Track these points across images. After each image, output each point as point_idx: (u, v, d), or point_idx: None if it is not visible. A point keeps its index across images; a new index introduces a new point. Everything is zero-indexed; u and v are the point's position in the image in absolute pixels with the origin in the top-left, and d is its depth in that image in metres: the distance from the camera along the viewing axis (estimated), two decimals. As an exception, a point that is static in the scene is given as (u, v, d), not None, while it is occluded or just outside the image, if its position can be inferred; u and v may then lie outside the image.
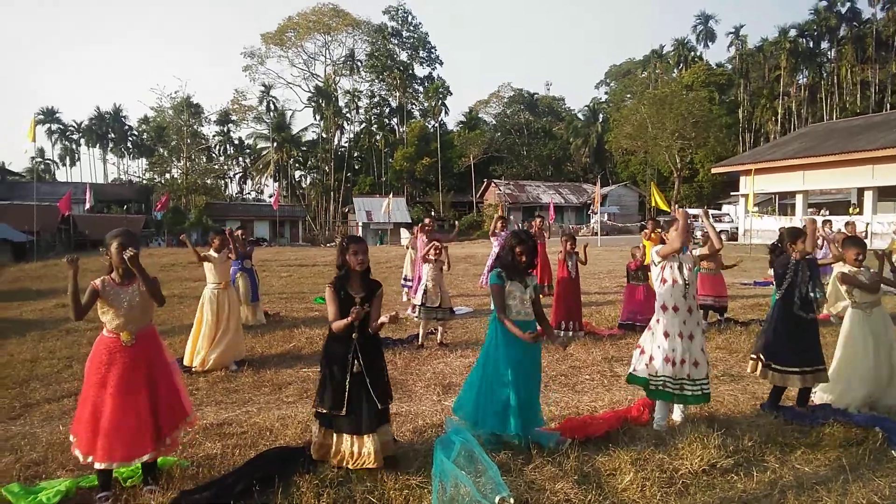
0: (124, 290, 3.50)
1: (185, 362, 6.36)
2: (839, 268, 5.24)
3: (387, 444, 3.78)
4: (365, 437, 3.64)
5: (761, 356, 4.72)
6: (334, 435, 3.71)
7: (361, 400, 3.65)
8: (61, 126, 69.83)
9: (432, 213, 54.36)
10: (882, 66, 55.75)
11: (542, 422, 4.29)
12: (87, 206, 33.78)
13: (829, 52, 60.81)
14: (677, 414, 4.57)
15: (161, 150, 60.64)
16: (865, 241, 8.50)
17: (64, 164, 71.18)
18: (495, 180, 56.95)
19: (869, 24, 56.84)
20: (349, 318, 3.53)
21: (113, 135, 68.19)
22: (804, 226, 4.97)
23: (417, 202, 59.09)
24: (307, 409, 4.92)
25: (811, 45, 60.04)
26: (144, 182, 59.24)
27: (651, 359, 4.42)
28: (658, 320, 4.46)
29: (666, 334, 4.38)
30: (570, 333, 7.81)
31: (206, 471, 3.76)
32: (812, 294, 4.71)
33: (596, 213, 40.38)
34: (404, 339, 7.68)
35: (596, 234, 36.32)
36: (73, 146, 71.19)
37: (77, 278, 3.35)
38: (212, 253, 6.76)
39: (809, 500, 3.36)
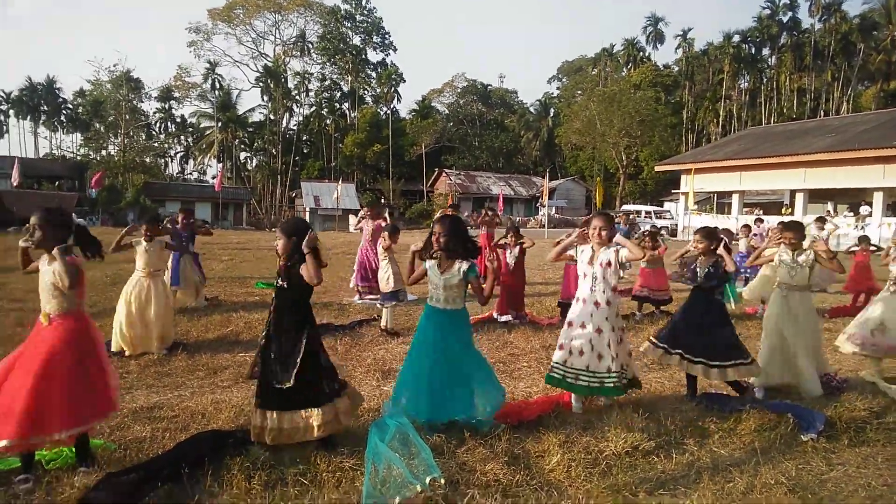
0: (47, 269, 3.40)
1: (114, 348, 6.16)
2: (773, 249, 5.57)
3: (294, 430, 3.70)
4: (277, 412, 3.66)
5: (658, 341, 5.01)
6: (257, 410, 3.72)
7: (270, 377, 3.70)
8: (-12, 96, 65.74)
9: (382, 201, 54.09)
10: (818, 75, 58.55)
11: (473, 409, 4.18)
12: (15, 181, 32.03)
13: (769, 59, 63.40)
14: (575, 402, 4.66)
15: (97, 125, 57.95)
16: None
17: (-10, 137, 67.10)
18: (446, 170, 57.09)
19: (808, 33, 59.55)
20: None
21: (46, 107, 64.49)
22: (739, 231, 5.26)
23: (367, 189, 58.61)
24: (242, 394, 4.88)
25: (753, 51, 62.47)
26: (79, 158, 56.39)
27: (560, 347, 4.63)
28: (571, 311, 4.69)
29: (570, 324, 4.60)
30: (513, 321, 8.02)
31: (133, 454, 3.68)
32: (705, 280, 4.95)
33: (544, 206, 41.06)
34: (346, 325, 7.66)
35: (543, 226, 36.94)
36: (2, 118, 67.09)
37: None
38: (141, 241, 6.51)
39: (723, 480, 3.55)
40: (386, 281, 7.53)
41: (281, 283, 3.78)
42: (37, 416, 3.18)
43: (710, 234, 5.18)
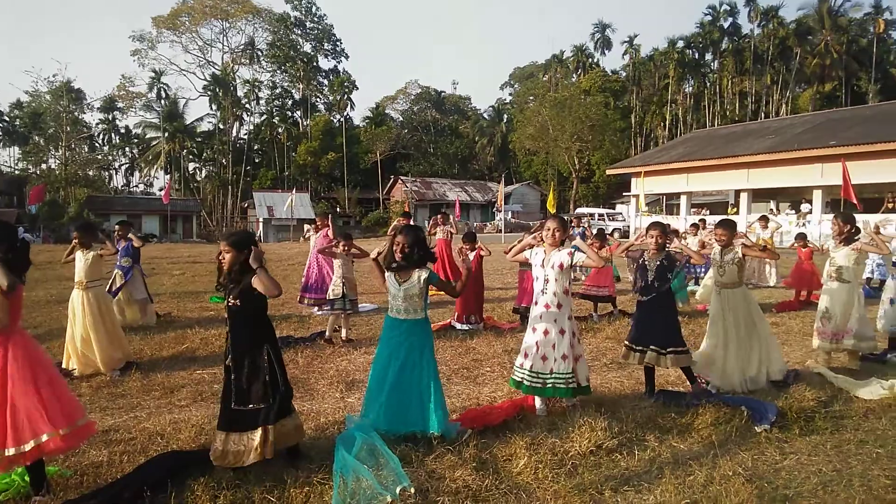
0: None
1: (64, 365, 5.95)
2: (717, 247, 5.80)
3: (266, 442, 3.59)
4: (240, 434, 3.56)
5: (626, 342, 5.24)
6: (217, 432, 3.62)
7: (232, 396, 3.61)
8: (-85, 108, 62.25)
9: (337, 210, 53.59)
10: (758, 78, 60.97)
11: (433, 423, 4.10)
12: (-52, 197, 30.45)
13: (712, 64, 65.64)
14: (538, 404, 4.73)
15: (37, 137, 55.49)
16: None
17: (-81, 152, 63.50)
18: (402, 177, 56.98)
19: (748, 39, 61.98)
20: None
21: (-21, 120, 61.61)
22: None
23: (322, 198, 57.96)
24: (201, 413, 4.76)
25: (697, 56, 64.64)
26: (17, 173, 53.93)
27: (520, 352, 4.76)
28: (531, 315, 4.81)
29: (532, 328, 4.71)
30: (472, 326, 8.08)
31: (90, 479, 3.55)
32: (655, 283, 5.08)
33: (500, 211, 41.42)
34: (307, 338, 7.56)
35: (500, 231, 37.26)
36: (-69, 131, 63.67)
37: None
38: (77, 252, 6.30)
39: (683, 474, 3.67)
40: (334, 286, 7.48)
41: (234, 301, 3.60)
42: None
43: (733, 226, 5.51)
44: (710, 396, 4.95)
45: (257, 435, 3.54)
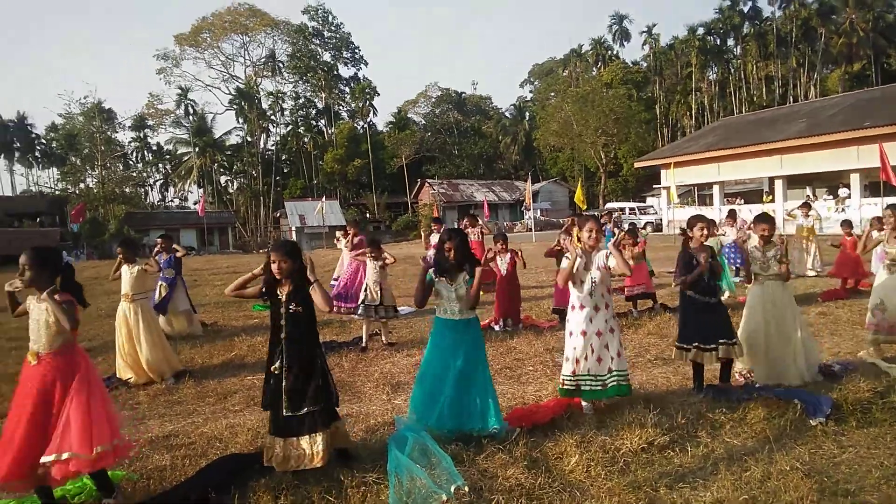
0: (37, 306, 3.38)
1: (119, 375, 6.21)
2: (751, 243, 5.68)
3: (324, 450, 3.68)
4: (296, 438, 3.63)
5: (681, 344, 5.01)
6: (273, 438, 3.69)
7: (284, 402, 3.66)
8: (-42, 135, 64.77)
9: (367, 216, 54.04)
10: (783, 62, 59.59)
11: (491, 419, 4.20)
12: (-6, 220, 31.66)
13: (735, 49, 64.42)
14: (585, 403, 4.72)
15: (73, 158, 57.26)
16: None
17: (-36, 176, 66.08)
18: (429, 180, 57.19)
19: (769, 21, 60.61)
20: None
21: (18, 144, 63.63)
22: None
23: (351, 204, 58.53)
24: (255, 417, 4.88)
25: (718, 42, 63.46)
26: (57, 193, 55.70)
27: (566, 360, 4.66)
28: (569, 320, 4.71)
29: (570, 333, 4.66)
30: (509, 329, 8.09)
31: (156, 482, 3.69)
32: (711, 282, 5.00)
33: (529, 210, 41.25)
34: (349, 342, 7.68)
35: (530, 230, 37.12)
36: (-26, 157, 66.10)
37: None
38: (123, 266, 6.55)
39: (739, 470, 3.63)
40: (368, 292, 7.55)
41: (295, 308, 3.70)
42: (32, 451, 3.18)
43: (774, 221, 5.40)
44: (761, 390, 4.88)
45: (318, 438, 3.63)
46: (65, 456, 3.14)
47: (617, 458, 3.81)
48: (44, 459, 3.15)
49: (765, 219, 5.48)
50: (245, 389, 5.81)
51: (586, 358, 4.56)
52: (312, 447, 3.63)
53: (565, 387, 4.65)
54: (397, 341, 7.67)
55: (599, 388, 4.56)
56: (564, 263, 4.67)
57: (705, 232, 5.03)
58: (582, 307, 4.62)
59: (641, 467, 3.71)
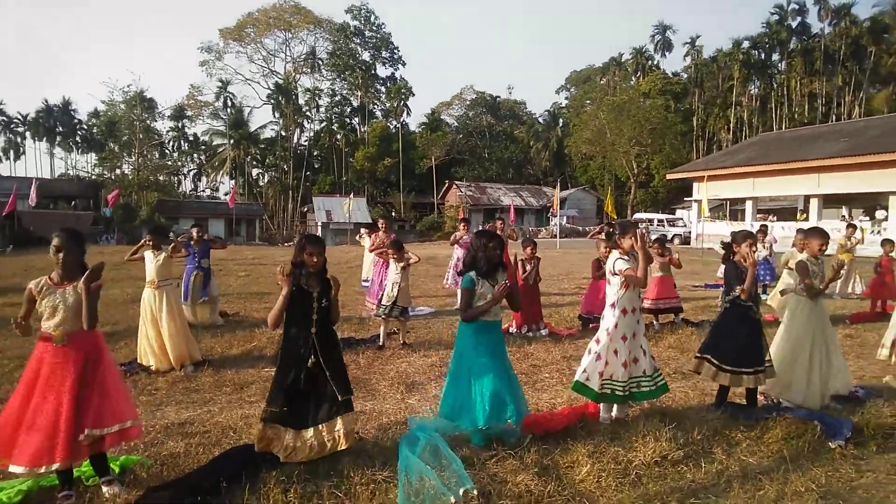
0: (60, 289, 3.42)
1: (139, 361, 6.33)
2: (800, 256, 5.53)
3: (349, 434, 3.83)
4: (314, 427, 3.72)
5: (712, 358, 4.86)
6: (281, 429, 3.73)
7: (315, 394, 3.76)
8: (5, 118, 66.87)
9: (392, 214, 54.29)
10: (829, 79, 58.24)
11: (523, 409, 4.36)
12: (33, 201, 32.55)
13: (779, 64, 63.14)
14: (617, 410, 4.72)
15: (112, 144, 58.66)
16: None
17: (8, 158, 68.17)
18: (457, 182, 57.27)
19: (817, 38, 59.31)
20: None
21: (61, 128, 65.54)
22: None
23: (378, 202, 58.90)
24: (271, 408, 4.94)
25: (763, 56, 62.30)
26: (93, 177, 57.15)
27: (606, 364, 4.54)
28: (616, 324, 4.56)
29: (624, 337, 4.57)
30: (531, 334, 8.06)
31: (170, 469, 3.76)
32: (751, 293, 4.89)
33: (555, 216, 41.02)
34: (367, 339, 7.73)
35: (555, 236, 36.90)
36: (19, 140, 68.25)
37: None
38: (147, 253, 6.62)
39: (753, 489, 3.57)
40: (389, 291, 7.58)
41: (325, 302, 3.82)
42: (78, 429, 3.27)
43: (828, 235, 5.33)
44: (781, 410, 4.78)
45: (338, 423, 3.75)
46: (115, 428, 3.34)
47: (629, 469, 3.77)
48: (90, 433, 3.26)
49: (822, 234, 5.32)
50: (262, 381, 5.88)
51: (635, 360, 4.57)
52: (333, 433, 3.75)
53: (604, 390, 4.52)
54: (414, 342, 7.68)
55: (635, 389, 4.57)
56: (621, 265, 4.54)
57: (755, 250, 4.95)
58: (632, 311, 4.60)
59: (653, 481, 3.66)
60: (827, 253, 5.50)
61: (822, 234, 5.29)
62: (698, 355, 5.01)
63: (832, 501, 3.41)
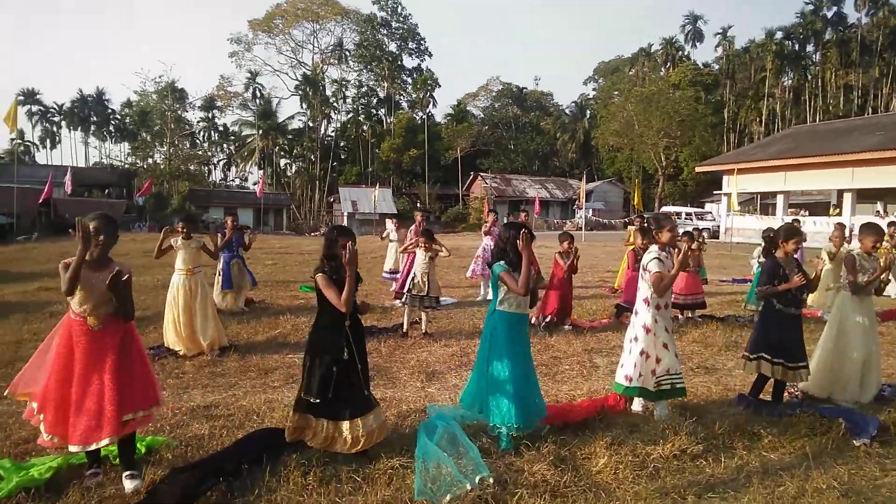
0: (96, 275, 3.38)
1: (170, 345, 6.47)
2: (828, 250, 5.41)
3: (382, 425, 3.83)
4: (350, 421, 3.68)
5: (763, 354, 4.77)
6: (313, 419, 3.71)
7: (348, 386, 3.70)
8: (42, 108, 68.55)
9: (418, 205, 54.40)
10: (865, 71, 56.55)
11: (543, 412, 4.23)
12: (68, 189, 33.41)
13: (814, 56, 61.51)
14: (660, 407, 4.60)
15: (144, 134, 59.79)
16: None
17: (44, 147, 69.94)
18: (482, 173, 57.13)
19: (854, 28, 57.57)
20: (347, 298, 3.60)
21: (95, 118, 67.02)
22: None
23: (404, 193, 59.05)
24: (292, 394, 4.99)
25: (797, 47, 60.69)
26: (126, 166, 58.36)
27: (658, 360, 4.44)
28: (655, 319, 4.49)
29: (667, 329, 4.53)
30: (559, 326, 8.02)
31: (194, 450, 3.86)
32: (798, 293, 4.81)
33: (581, 209, 40.65)
34: (389, 328, 7.80)
35: (580, 229, 36.60)
36: (55, 129, 69.98)
37: None
38: (178, 241, 6.69)
39: (773, 485, 3.54)
40: (416, 281, 7.61)
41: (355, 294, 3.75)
42: (122, 410, 3.34)
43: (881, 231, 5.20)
44: (806, 407, 4.71)
45: (371, 417, 3.74)
46: (140, 414, 3.44)
47: (647, 462, 3.75)
48: (126, 417, 3.35)
49: (877, 230, 5.17)
50: (285, 367, 5.98)
51: (676, 355, 4.53)
52: (371, 426, 3.73)
53: (661, 387, 4.45)
54: (435, 331, 7.72)
55: (678, 385, 4.51)
56: (654, 266, 4.45)
57: (801, 247, 4.86)
58: (659, 307, 4.53)
59: (671, 474, 3.65)
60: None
61: (877, 231, 5.13)
62: (751, 356, 4.84)
63: (854, 499, 3.36)
